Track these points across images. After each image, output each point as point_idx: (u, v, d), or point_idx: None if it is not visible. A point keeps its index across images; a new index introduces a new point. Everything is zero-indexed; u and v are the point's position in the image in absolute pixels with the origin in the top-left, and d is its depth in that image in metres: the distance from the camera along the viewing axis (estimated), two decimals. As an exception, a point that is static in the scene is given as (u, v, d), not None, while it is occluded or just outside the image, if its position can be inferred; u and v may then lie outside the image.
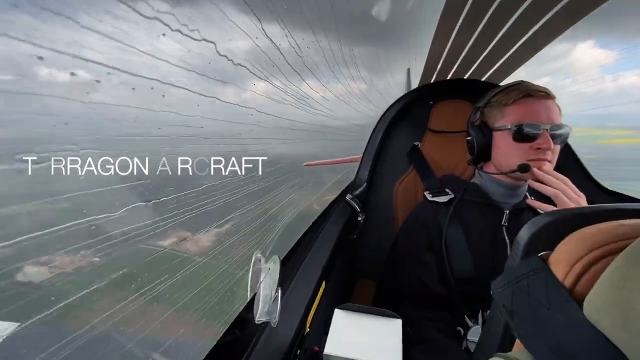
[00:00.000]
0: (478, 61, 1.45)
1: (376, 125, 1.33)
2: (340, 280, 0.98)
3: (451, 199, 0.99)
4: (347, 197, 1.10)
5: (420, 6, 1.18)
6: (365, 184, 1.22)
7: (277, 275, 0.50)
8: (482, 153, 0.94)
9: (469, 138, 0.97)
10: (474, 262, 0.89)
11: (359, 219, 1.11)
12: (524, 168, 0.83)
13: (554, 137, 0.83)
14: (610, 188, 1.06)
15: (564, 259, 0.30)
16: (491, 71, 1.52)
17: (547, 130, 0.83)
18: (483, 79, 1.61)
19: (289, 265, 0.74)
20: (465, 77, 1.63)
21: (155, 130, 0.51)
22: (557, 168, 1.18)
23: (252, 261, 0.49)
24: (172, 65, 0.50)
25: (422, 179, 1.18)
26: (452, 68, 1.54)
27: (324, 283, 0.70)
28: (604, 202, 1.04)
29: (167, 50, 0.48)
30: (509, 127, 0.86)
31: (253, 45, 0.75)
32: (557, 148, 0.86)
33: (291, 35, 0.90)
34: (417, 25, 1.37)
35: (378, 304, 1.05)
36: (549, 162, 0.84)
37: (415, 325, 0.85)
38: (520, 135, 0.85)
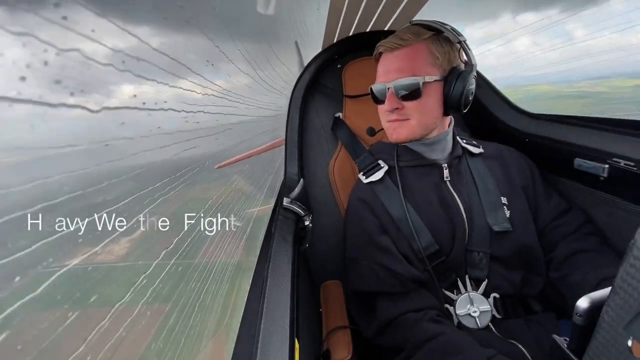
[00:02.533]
0: (379, 9, 1.32)
1: (289, 108, 1.15)
2: (305, 304, 0.81)
3: (387, 171, 0.89)
4: (285, 204, 0.91)
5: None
6: (300, 179, 1.04)
7: None
8: None
9: None
10: (432, 232, 0.80)
11: (307, 223, 0.92)
12: (369, 132, 0.89)
13: (402, 94, 0.77)
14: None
15: None
16: (393, 18, 1.41)
17: (391, 88, 0.78)
18: (386, 28, 1.51)
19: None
20: (368, 29, 1.50)
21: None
22: (478, 102, 1.15)
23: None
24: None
25: (353, 158, 1.05)
26: (354, 22, 1.40)
27: (297, 341, 0.52)
28: (530, 126, 1.02)
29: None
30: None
31: (116, 47, 0.59)
32: (417, 104, 0.77)
33: (162, 35, 0.72)
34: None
35: (351, 307, 0.93)
36: (407, 120, 0.79)
37: (405, 325, 0.72)
38: (374, 99, 0.84)
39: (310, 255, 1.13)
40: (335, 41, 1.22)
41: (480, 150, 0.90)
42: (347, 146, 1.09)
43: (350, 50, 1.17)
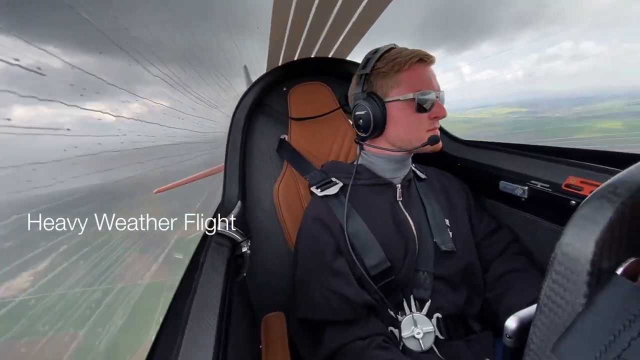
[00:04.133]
0: (320, 39, 1.36)
1: (230, 128, 1.09)
2: (240, 340, 0.72)
3: (341, 188, 0.87)
4: (219, 229, 0.82)
5: None
6: (239, 201, 0.97)
7: None
8: (377, 128, 0.83)
9: (360, 112, 0.83)
10: (385, 249, 0.79)
11: (244, 250, 0.84)
12: (435, 140, 0.79)
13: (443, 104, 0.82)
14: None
15: None
16: (336, 46, 1.46)
17: (437, 97, 0.80)
18: (331, 55, 1.56)
19: None
20: (313, 54, 1.54)
21: None
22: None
23: None
24: None
25: (302, 174, 1.02)
26: (297, 49, 1.42)
27: None
28: (462, 151, 1.09)
29: None
30: (412, 96, 0.78)
31: (11, 68, 0.47)
32: None
33: (70, 55, 0.61)
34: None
35: (295, 338, 0.86)
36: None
37: (353, 354, 0.68)
38: (424, 105, 0.79)
39: (251, 286, 1.04)
40: (279, 64, 1.21)
41: (425, 175, 0.95)
42: (294, 165, 1.06)
43: (296, 74, 1.17)
